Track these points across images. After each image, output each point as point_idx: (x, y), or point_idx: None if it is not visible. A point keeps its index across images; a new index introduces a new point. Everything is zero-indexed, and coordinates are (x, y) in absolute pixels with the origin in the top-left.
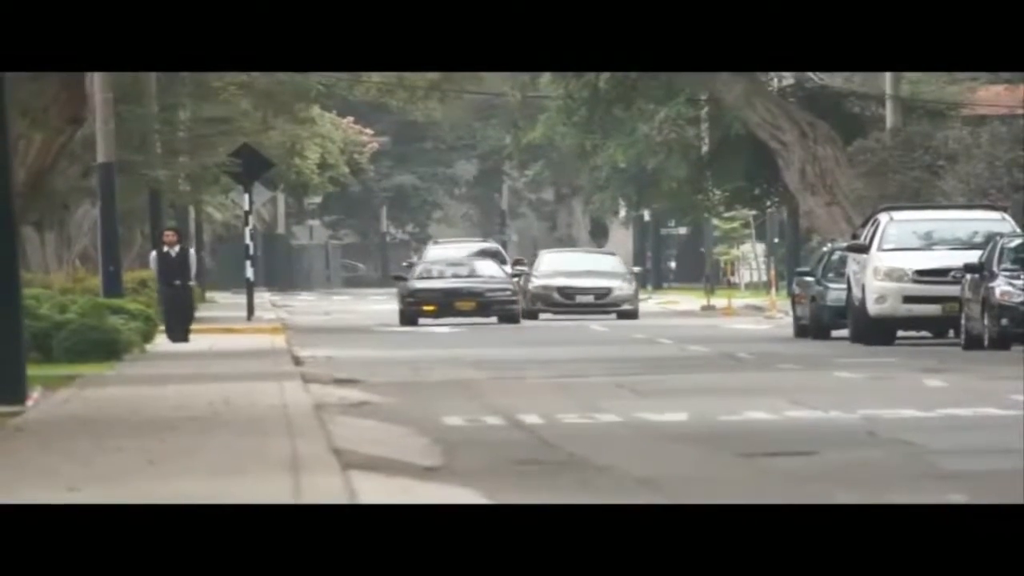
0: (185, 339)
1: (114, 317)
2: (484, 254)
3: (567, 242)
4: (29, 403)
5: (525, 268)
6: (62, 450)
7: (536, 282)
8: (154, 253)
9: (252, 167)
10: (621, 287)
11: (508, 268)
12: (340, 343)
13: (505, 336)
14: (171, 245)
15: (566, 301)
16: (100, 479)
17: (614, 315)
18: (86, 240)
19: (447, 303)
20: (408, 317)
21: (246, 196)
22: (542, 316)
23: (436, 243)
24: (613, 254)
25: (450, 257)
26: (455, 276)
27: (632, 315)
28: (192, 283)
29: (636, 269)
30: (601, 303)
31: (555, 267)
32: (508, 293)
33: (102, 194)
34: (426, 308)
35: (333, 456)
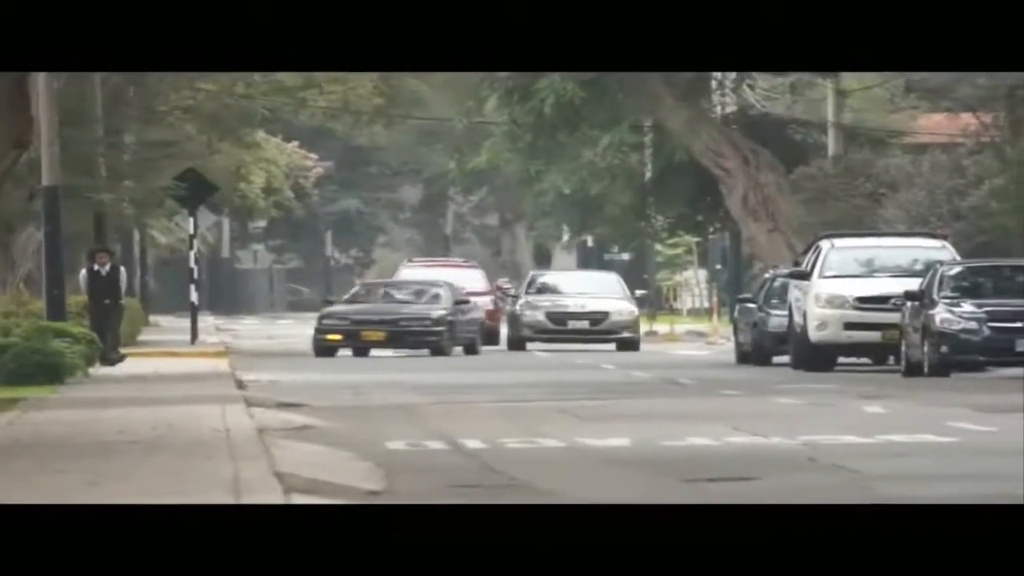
0: (117, 357)
1: (57, 340)
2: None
3: (510, 268)
4: None
5: (510, 290)
6: (4, 472)
7: (524, 307)
8: (84, 272)
9: (197, 191)
10: (620, 311)
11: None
12: (284, 367)
13: (448, 361)
14: (102, 264)
15: (556, 327)
16: (42, 501)
17: (613, 344)
18: (30, 263)
19: (354, 332)
20: (318, 347)
21: (191, 220)
22: (530, 346)
23: (410, 262)
24: (612, 273)
25: (400, 278)
26: (384, 301)
27: (633, 344)
28: (122, 301)
29: (639, 292)
30: (597, 329)
31: (545, 289)
32: (427, 323)
33: (47, 217)
34: (330, 338)
35: (275, 479)
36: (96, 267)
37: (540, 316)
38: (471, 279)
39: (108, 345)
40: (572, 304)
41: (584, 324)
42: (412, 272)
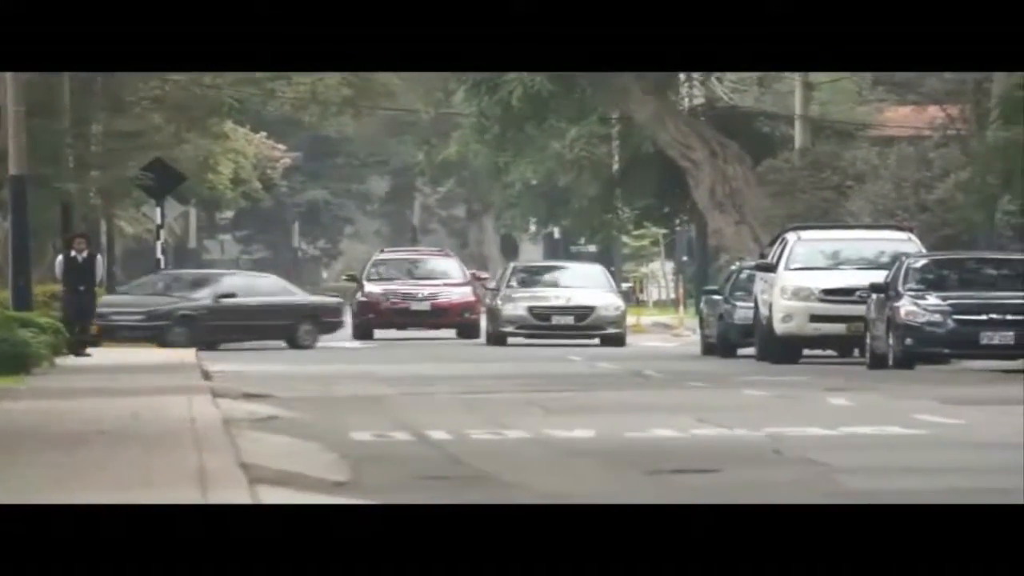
0: (84, 346)
1: (23, 330)
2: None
3: (478, 259)
4: None
5: (487, 281)
6: None
7: (505, 300)
8: (60, 257)
9: (164, 181)
10: (606, 306)
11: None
12: (250, 358)
13: (415, 352)
14: (79, 251)
15: (539, 323)
16: (10, 493)
17: (597, 340)
18: None
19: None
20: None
21: (158, 210)
22: (512, 341)
23: (382, 252)
24: (598, 265)
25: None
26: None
27: (618, 340)
28: (97, 288)
29: (626, 285)
30: (582, 325)
31: (527, 282)
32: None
33: (13, 207)
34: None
35: (241, 471)
36: (73, 253)
37: (522, 311)
38: (447, 268)
39: (79, 334)
40: (556, 298)
41: (569, 320)
42: (386, 260)
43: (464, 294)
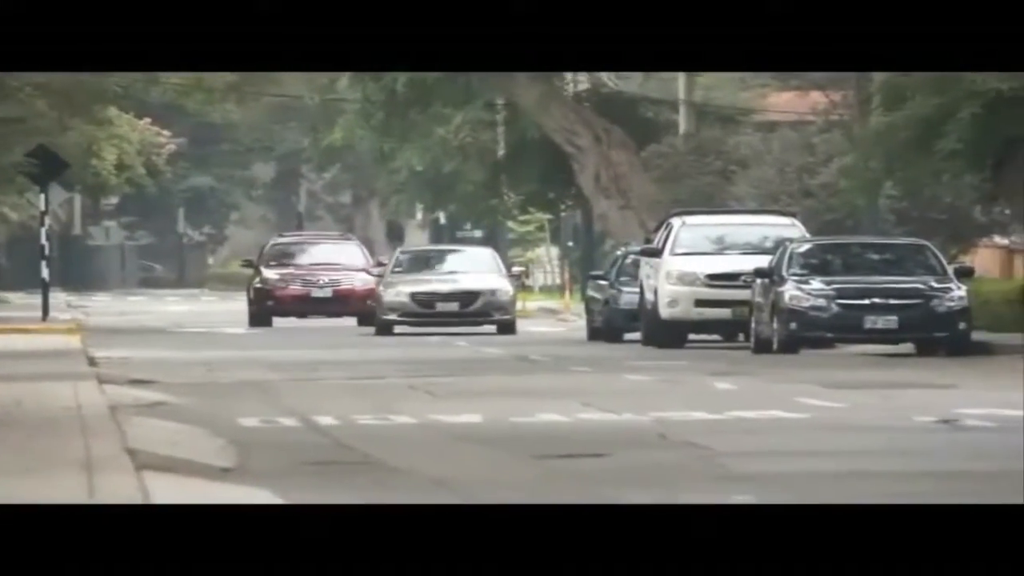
0: None
1: None
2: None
3: (364, 245)
4: None
5: (381, 269)
6: None
7: (388, 287)
8: None
9: (48, 168)
10: (493, 291)
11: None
12: (136, 344)
13: (300, 338)
14: None
15: (423, 311)
16: None
17: (489, 328)
18: None
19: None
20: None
21: (42, 196)
22: (398, 329)
23: (280, 236)
24: (488, 249)
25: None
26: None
27: (508, 327)
28: None
29: (516, 269)
30: (468, 312)
31: (411, 267)
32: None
33: None
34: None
35: (127, 456)
36: None
37: (404, 298)
38: (348, 254)
39: None
40: (440, 284)
41: (453, 306)
42: (284, 245)
43: (366, 281)
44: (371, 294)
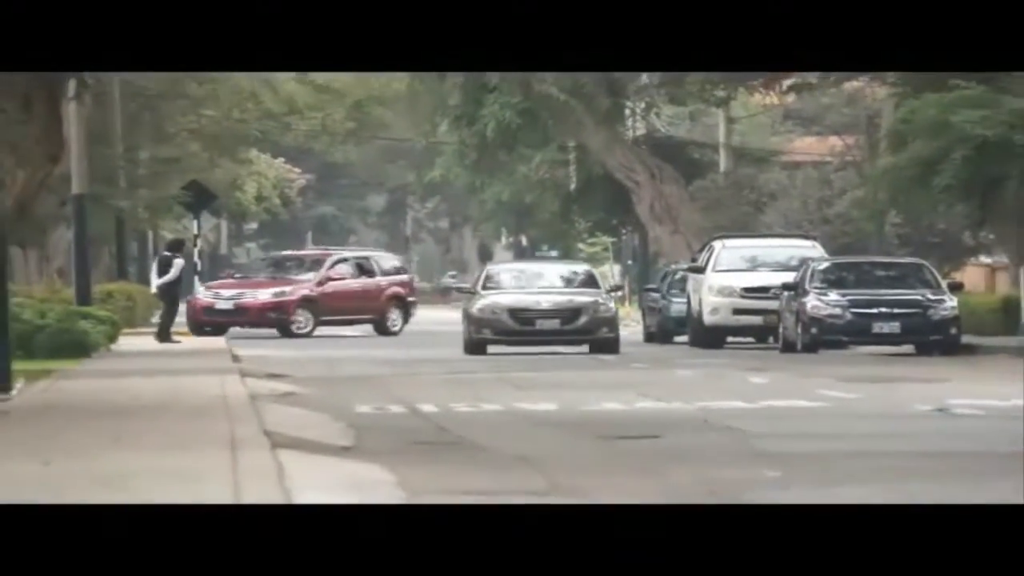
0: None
1: (84, 322)
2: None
3: (459, 264)
4: (13, 392)
5: (459, 284)
6: (39, 430)
7: (481, 303)
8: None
9: (200, 199)
10: (595, 309)
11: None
12: (271, 345)
13: (402, 339)
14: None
15: (522, 328)
16: (69, 453)
17: (586, 347)
18: (62, 258)
19: None
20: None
21: (195, 222)
22: (492, 349)
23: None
24: (584, 264)
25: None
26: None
27: (611, 347)
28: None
29: (614, 285)
30: (570, 329)
31: (507, 283)
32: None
33: (75, 220)
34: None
35: (264, 437)
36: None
37: (503, 315)
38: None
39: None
40: (540, 300)
41: (555, 324)
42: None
43: (280, 294)
44: (275, 307)
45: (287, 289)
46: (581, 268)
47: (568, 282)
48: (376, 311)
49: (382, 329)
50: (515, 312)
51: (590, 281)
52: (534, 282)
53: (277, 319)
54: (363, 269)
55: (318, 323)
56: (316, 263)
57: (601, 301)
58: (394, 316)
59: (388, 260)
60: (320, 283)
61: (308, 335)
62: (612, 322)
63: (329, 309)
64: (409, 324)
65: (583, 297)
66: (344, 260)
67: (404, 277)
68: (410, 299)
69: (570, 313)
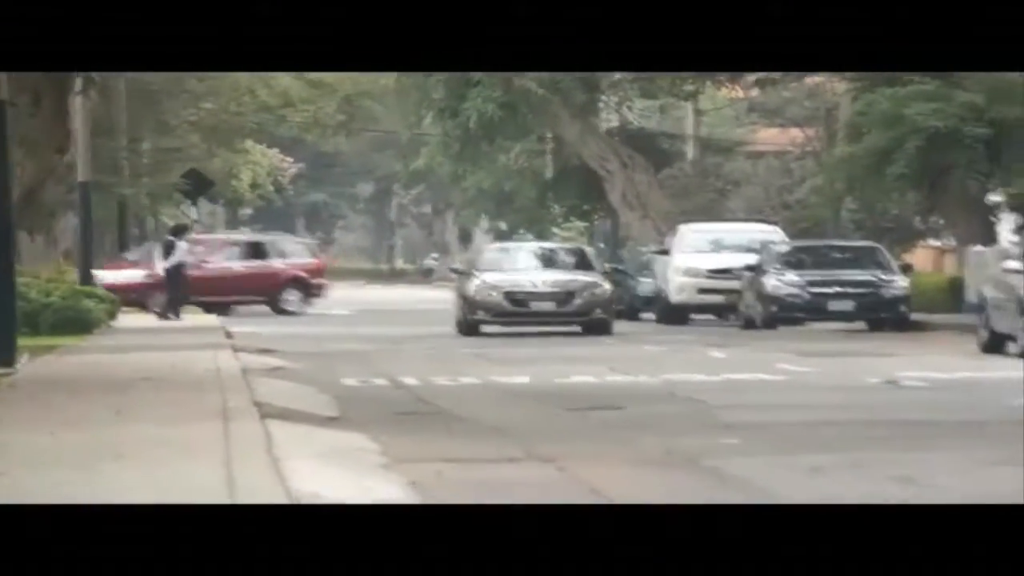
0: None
1: (87, 300)
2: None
3: (441, 247)
4: (19, 366)
5: (460, 267)
6: (45, 402)
7: (476, 284)
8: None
9: (198, 186)
10: (590, 290)
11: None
12: (261, 323)
13: (388, 318)
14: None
15: (517, 309)
16: (72, 425)
17: (580, 328)
18: (68, 242)
19: None
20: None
21: (194, 208)
22: (486, 329)
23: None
24: (580, 245)
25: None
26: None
27: (604, 328)
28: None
29: (608, 267)
30: (564, 311)
31: (502, 264)
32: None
33: (81, 206)
34: None
35: (255, 408)
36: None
37: (499, 297)
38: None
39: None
40: (535, 282)
41: (550, 305)
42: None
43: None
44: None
45: (148, 272)
46: (578, 249)
47: (564, 264)
48: (266, 292)
49: (277, 308)
50: (510, 294)
51: (586, 263)
52: (530, 263)
53: (138, 299)
54: (256, 252)
55: (180, 304)
56: (211, 247)
57: (597, 283)
58: (291, 297)
59: (291, 244)
60: (175, 267)
61: (167, 317)
62: (607, 303)
63: (205, 290)
64: (396, 305)
65: (578, 279)
66: (235, 244)
67: (308, 260)
68: (314, 281)
69: (564, 295)
